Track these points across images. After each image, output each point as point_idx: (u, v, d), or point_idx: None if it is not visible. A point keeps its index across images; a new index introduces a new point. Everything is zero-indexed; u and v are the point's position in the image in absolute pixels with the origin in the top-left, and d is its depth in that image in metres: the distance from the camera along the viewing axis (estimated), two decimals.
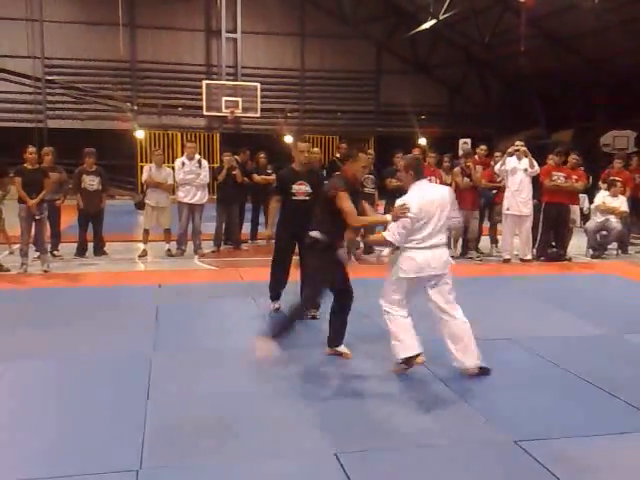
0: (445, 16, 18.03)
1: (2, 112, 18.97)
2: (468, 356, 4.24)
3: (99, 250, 9.18)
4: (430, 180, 9.09)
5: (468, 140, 18.02)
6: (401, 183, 9.15)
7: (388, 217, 4.29)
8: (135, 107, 20.60)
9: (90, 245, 9.17)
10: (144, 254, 9.19)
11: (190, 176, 9.13)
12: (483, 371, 4.29)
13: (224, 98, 17.78)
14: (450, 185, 9.32)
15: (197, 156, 9.40)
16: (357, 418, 3.67)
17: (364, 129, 22.17)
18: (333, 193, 4.27)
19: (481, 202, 9.56)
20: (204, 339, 5.15)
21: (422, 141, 18.99)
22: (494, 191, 9.64)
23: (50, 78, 19.81)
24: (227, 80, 19.09)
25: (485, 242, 9.90)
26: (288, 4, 21.11)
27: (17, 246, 8.31)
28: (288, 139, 17.19)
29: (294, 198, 5.48)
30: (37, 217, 7.86)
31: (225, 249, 9.87)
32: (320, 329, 5.06)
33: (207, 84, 18.20)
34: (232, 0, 19.06)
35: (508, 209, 8.95)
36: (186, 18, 20.66)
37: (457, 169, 9.35)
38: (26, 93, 19.65)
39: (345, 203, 4.22)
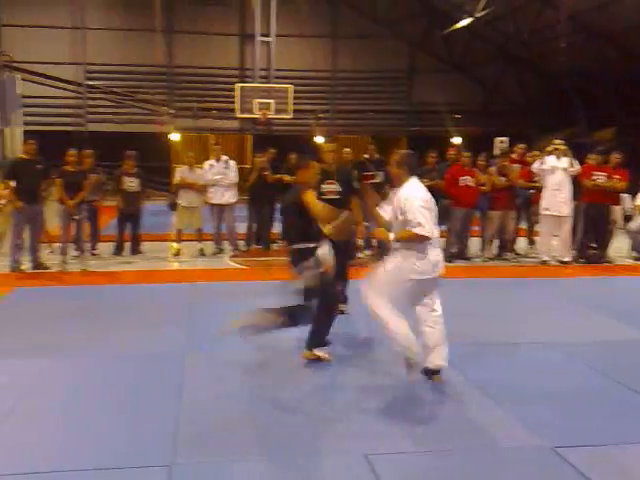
0: (481, 14, 17.79)
1: (45, 116, 19.49)
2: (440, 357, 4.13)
3: (135, 249, 9.38)
4: (465, 180, 9.09)
5: (505, 139, 17.71)
6: (431, 183, 9.17)
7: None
8: (171, 110, 20.92)
9: (127, 244, 9.38)
10: (178, 253, 9.35)
11: (218, 177, 9.31)
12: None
13: (257, 100, 17.88)
14: (485, 185, 9.21)
15: (225, 157, 9.62)
16: (388, 421, 3.63)
17: (396, 129, 22.03)
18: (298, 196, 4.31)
19: (518, 202, 9.37)
20: (235, 338, 5.15)
21: (457, 140, 18.74)
22: (531, 191, 9.44)
23: (91, 83, 20.30)
24: (260, 83, 19.21)
25: (522, 243, 9.71)
26: (321, 6, 21.15)
27: (57, 245, 8.53)
28: (319, 140, 17.20)
29: (324, 197, 5.47)
30: (76, 217, 8.09)
31: (256, 249, 9.94)
32: (349, 331, 5.01)
33: (240, 87, 18.33)
34: (266, 5, 19.16)
35: (547, 209, 8.75)
36: (221, 23, 20.92)
37: (493, 168, 9.21)
38: (68, 98, 20.17)
39: (312, 202, 4.25)
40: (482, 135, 19.56)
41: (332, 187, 5.57)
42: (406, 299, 4.02)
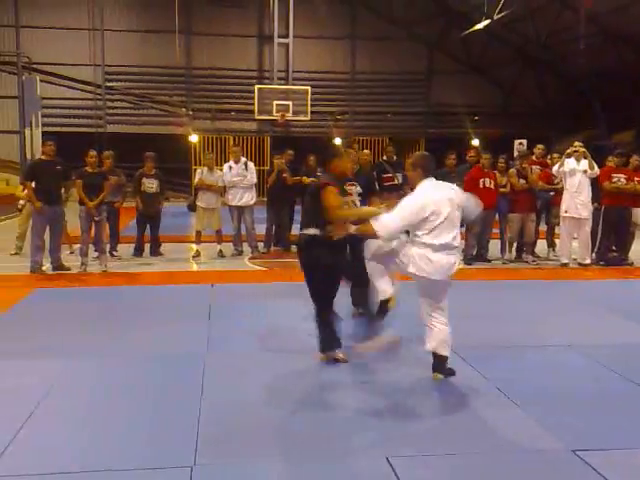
0: (500, 15, 17.67)
1: (65, 118, 19.75)
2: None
3: (155, 250, 9.45)
4: (484, 182, 9.04)
5: (524, 141, 17.57)
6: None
7: (378, 210, 4.20)
8: (190, 112, 21.07)
9: (147, 246, 9.45)
10: (197, 254, 9.39)
11: (237, 178, 9.36)
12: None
13: (275, 102, 17.98)
14: (505, 187, 9.16)
15: (243, 159, 9.65)
16: (409, 422, 3.63)
17: (414, 130, 21.97)
18: (322, 186, 4.26)
19: (538, 204, 9.31)
20: (255, 339, 5.18)
21: (476, 142, 18.64)
22: (551, 193, 9.37)
23: (110, 85, 20.50)
24: (278, 84, 19.28)
25: (542, 245, 9.63)
26: (339, 8, 21.16)
27: (77, 246, 8.61)
28: (337, 142, 17.17)
29: (345, 199, 5.49)
30: (96, 218, 8.15)
31: (275, 250, 9.96)
32: (368, 332, 5.00)
33: (259, 88, 18.44)
34: (284, 6, 19.24)
35: (566, 211, 8.71)
36: (239, 25, 21.00)
37: (513, 170, 9.16)
38: (87, 99, 20.40)
39: (329, 196, 4.18)
40: (501, 137, 19.45)
41: (352, 189, 5.56)
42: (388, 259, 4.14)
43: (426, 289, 4.12)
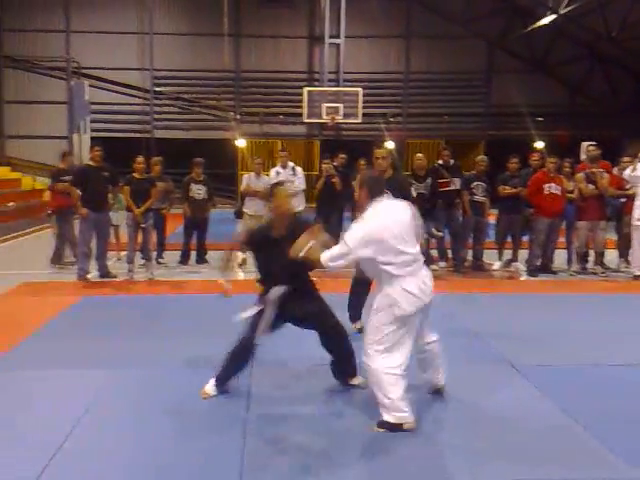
0: (566, 10, 16.84)
1: (113, 123, 19.87)
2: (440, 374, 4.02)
3: (202, 258, 9.26)
4: (549, 188, 8.48)
5: (593, 143, 16.60)
6: (514, 191, 8.58)
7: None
8: (238, 116, 21.00)
9: (193, 253, 9.30)
10: (244, 262, 9.15)
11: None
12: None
13: (325, 105, 17.61)
14: (572, 192, 8.58)
15: (291, 164, 9.51)
16: (474, 443, 3.44)
17: (473, 132, 21.17)
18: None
19: (608, 211, 8.73)
20: (303, 348, 4.79)
21: (540, 145, 17.81)
22: (623, 199, 8.72)
23: (158, 89, 20.62)
24: (328, 86, 18.96)
25: (612, 256, 9.09)
26: (393, 6, 20.58)
27: (124, 253, 8.51)
28: (390, 145, 16.73)
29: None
30: (143, 225, 8.03)
31: None
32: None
33: (308, 91, 18.13)
34: (336, 6, 18.90)
35: (639, 219, 8.11)
36: (289, 26, 20.74)
37: (581, 175, 8.59)
38: (135, 104, 20.53)
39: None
40: (567, 139, 18.57)
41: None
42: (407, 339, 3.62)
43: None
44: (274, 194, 4.11)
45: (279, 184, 4.32)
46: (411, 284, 3.52)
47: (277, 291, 4.01)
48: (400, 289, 3.51)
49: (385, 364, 3.51)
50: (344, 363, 4.19)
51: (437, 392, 4.05)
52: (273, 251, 3.99)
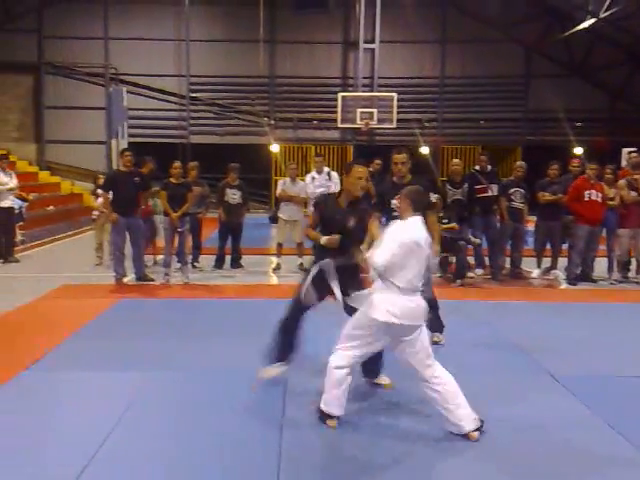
0: (606, 14, 16.46)
1: (150, 128, 20.18)
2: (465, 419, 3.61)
3: (236, 262, 9.31)
4: (590, 195, 8.26)
5: (635, 150, 16.14)
6: (554, 197, 8.39)
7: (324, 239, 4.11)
8: (272, 121, 21.11)
9: (227, 257, 9.36)
10: (278, 267, 9.19)
11: (320, 189, 9.06)
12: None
13: (359, 110, 17.57)
14: (613, 200, 8.35)
15: (326, 169, 9.52)
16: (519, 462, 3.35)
17: (510, 137, 20.82)
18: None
19: None
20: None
21: (579, 150, 17.42)
22: None
23: (194, 95, 20.86)
24: (363, 91, 18.91)
25: None
26: (429, 11, 20.42)
27: (161, 257, 8.61)
28: (425, 150, 16.61)
29: (395, 214, 4.83)
30: (179, 229, 8.09)
31: None
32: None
33: (342, 96, 18.12)
34: (371, 11, 18.86)
35: None
36: (324, 31, 20.74)
37: (623, 181, 8.38)
38: (172, 110, 20.82)
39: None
40: (606, 145, 18.12)
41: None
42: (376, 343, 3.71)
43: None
44: (349, 170, 4.29)
45: (357, 163, 4.41)
46: (398, 300, 3.56)
47: (330, 261, 4.13)
48: (384, 297, 3.58)
49: (336, 362, 3.71)
50: (373, 361, 4.18)
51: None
52: (334, 217, 4.28)
